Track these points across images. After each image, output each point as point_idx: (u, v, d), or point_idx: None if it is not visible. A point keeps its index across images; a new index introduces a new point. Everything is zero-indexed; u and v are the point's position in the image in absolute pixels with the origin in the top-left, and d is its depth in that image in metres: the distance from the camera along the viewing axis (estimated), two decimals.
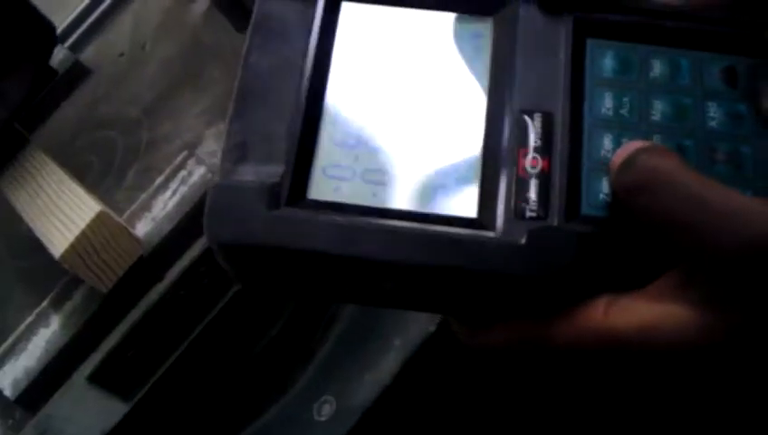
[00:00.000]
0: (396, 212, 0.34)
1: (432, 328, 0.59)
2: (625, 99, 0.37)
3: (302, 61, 0.36)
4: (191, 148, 0.53)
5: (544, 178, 0.35)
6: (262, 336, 0.60)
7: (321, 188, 0.34)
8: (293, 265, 0.33)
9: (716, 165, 0.35)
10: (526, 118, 0.36)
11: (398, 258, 0.33)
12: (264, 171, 0.33)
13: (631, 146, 0.33)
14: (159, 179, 0.51)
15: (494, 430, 0.67)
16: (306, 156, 0.34)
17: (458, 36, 0.38)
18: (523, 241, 0.33)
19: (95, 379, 0.53)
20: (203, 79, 0.65)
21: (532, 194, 0.34)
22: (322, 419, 0.60)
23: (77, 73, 0.69)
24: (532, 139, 0.35)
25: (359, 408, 0.59)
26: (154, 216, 0.50)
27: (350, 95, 0.36)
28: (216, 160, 0.54)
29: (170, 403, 0.59)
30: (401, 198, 0.35)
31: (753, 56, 0.38)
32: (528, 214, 0.34)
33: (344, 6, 0.38)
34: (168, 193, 0.51)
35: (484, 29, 0.38)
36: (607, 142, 0.36)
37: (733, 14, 0.38)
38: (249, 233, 0.32)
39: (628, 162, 0.32)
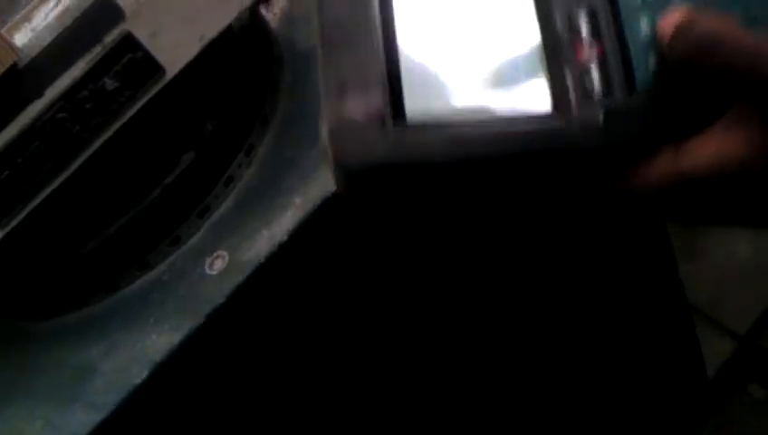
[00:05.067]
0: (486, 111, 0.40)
1: (332, 188, 0.57)
2: None
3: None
4: None
5: (603, 62, 0.41)
6: (155, 184, 0.57)
7: (415, 106, 0.40)
8: (412, 175, 0.39)
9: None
10: (576, 13, 0.42)
11: (509, 150, 0.39)
12: (366, 101, 0.39)
13: (676, 16, 0.39)
14: None
15: (385, 294, 0.65)
16: (396, 82, 0.40)
17: None
18: (601, 120, 0.40)
19: None
20: None
21: (596, 77, 0.41)
22: (213, 272, 0.58)
23: None
24: (584, 31, 0.42)
25: (251, 262, 0.57)
26: (34, 26, 0.48)
27: (417, 21, 0.42)
28: None
29: (49, 239, 0.57)
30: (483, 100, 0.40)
31: None
32: (596, 95, 0.40)
33: None
34: (51, 4, 0.48)
35: None
36: (644, 24, 0.42)
37: None
38: (375, 156, 0.38)
39: (683, 31, 0.38)
